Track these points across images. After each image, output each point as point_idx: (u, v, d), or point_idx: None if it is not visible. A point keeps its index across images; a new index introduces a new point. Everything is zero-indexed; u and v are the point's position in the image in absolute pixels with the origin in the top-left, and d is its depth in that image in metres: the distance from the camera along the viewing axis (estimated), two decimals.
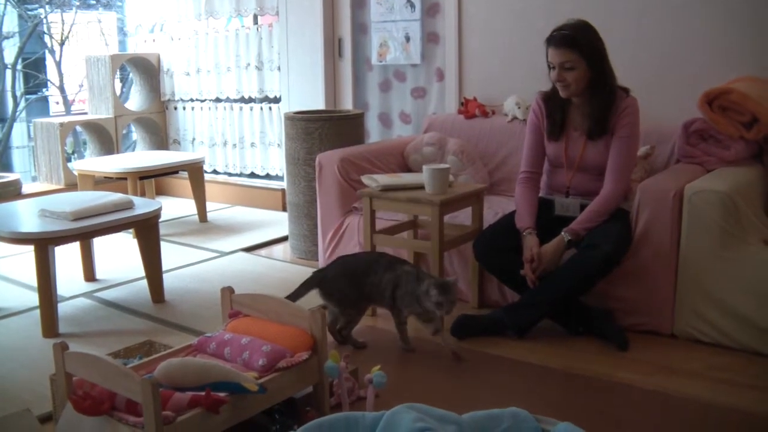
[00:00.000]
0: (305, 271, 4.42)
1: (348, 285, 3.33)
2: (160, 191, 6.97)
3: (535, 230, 3.49)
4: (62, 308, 3.96)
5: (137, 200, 4.19)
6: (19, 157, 10.58)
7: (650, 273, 3.48)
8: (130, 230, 5.04)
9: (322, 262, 4.46)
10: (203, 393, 2.38)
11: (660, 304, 3.49)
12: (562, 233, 3.43)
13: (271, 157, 6.45)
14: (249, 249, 5.13)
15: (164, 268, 4.21)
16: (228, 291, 2.94)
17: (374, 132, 5.73)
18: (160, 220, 4.10)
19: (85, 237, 3.96)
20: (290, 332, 2.71)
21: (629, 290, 3.53)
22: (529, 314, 3.48)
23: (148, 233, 4.04)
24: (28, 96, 9.99)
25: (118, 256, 4.99)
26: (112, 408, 2.39)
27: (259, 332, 2.72)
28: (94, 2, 10.21)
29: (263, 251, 5.10)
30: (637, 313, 3.55)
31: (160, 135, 7.14)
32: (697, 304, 3.41)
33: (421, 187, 3.67)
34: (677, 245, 3.44)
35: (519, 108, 4.53)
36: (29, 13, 9.39)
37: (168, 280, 4.30)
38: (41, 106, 10.42)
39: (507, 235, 3.56)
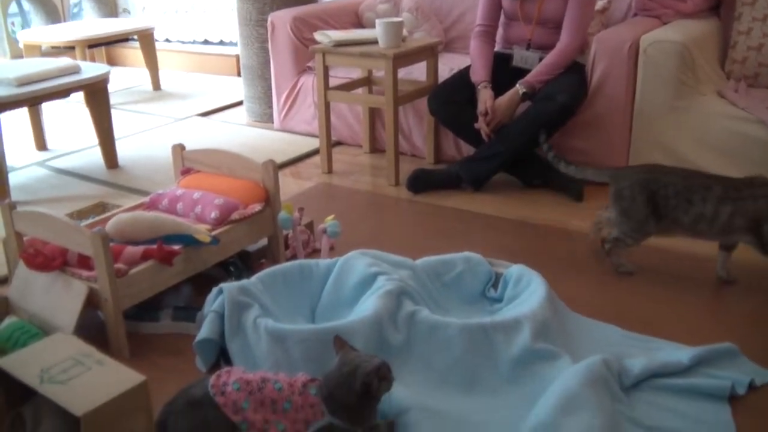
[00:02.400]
0: (262, 134, 4.41)
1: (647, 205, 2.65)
2: (112, 61, 6.78)
3: (490, 84, 3.45)
4: (14, 177, 3.89)
5: (84, 65, 4.07)
6: None
7: (605, 124, 3.48)
8: (81, 100, 4.92)
9: (277, 124, 4.42)
10: (155, 246, 2.37)
11: (615, 155, 3.51)
12: (517, 85, 3.40)
13: (224, 22, 6.28)
14: (204, 114, 5.04)
15: (117, 135, 4.13)
16: (179, 148, 2.90)
17: None
18: (111, 89, 4.00)
19: (31, 103, 3.85)
20: (243, 185, 2.69)
21: (585, 142, 3.54)
22: (484, 167, 3.48)
23: (97, 98, 3.94)
24: None
25: (70, 126, 4.88)
26: (64, 264, 2.38)
27: (212, 187, 2.70)
28: None
29: (219, 116, 5.02)
30: (593, 164, 3.54)
31: (108, 5, 6.91)
32: (651, 154, 3.43)
33: (374, 42, 3.60)
34: (632, 96, 3.44)
35: None
36: None
37: (121, 146, 4.24)
38: None
39: (462, 89, 3.52)
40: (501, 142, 3.42)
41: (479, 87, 3.45)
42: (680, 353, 2.18)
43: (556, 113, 3.32)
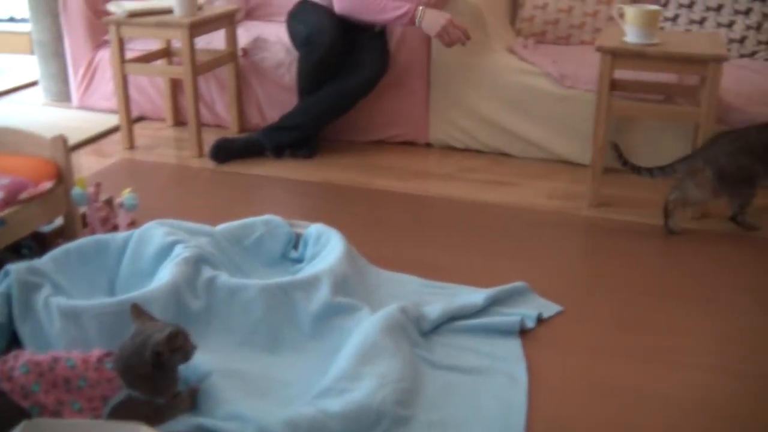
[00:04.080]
0: (60, 113, 4.22)
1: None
2: None
3: None
4: None
5: None
6: None
7: (405, 85, 3.56)
8: None
9: (75, 102, 4.25)
10: None
11: (416, 115, 3.60)
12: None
13: None
14: None
15: None
16: None
17: None
18: None
19: None
20: (31, 163, 2.58)
21: (387, 102, 3.61)
22: (286, 136, 3.49)
23: None
24: None
25: None
26: None
27: None
28: None
29: (13, 97, 4.77)
30: (395, 124, 3.65)
31: None
32: (449, 112, 3.55)
33: (170, 12, 3.52)
34: (428, 56, 3.52)
35: None
36: None
37: None
38: None
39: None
40: (304, 114, 3.43)
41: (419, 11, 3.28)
42: (475, 296, 2.28)
43: (361, 87, 3.38)
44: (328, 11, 3.42)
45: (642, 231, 2.83)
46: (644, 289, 2.43)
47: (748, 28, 3.59)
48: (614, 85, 3.14)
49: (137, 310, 1.81)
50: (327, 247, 2.40)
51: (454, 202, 3.04)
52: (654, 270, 2.55)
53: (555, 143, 3.43)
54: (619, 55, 2.83)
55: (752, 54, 3.60)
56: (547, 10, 3.79)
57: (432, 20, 3.24)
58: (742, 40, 3.60)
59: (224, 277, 2.15)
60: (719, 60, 2.76)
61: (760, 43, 3.59)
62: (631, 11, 2.84)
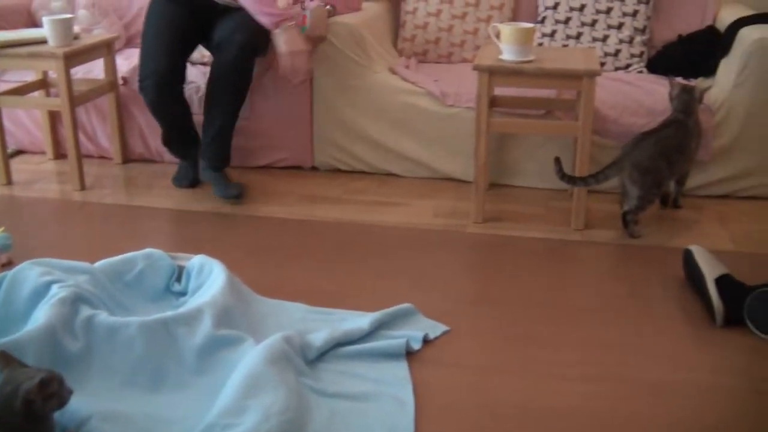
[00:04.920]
0: None
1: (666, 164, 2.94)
2: None
3: None
4: None
5: None
6: None
7: (288, 109, 3.55)
8: None
9: None
10: None
11: (300, 139, 3.59)
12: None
13: None
14: None
15: None
16: None
17: None
18: None
19: None
20: None
21: (270, 127, 3.59)
22: (223, 145, 3.35)
23: None
24: None
25: None
26: None
27: None
28: None
29: None
30: (279, 149, 3.63)
31: None
32: (333, 135, 3.55)
33: (44, 42, 3.42)
34: (310, 79, 3.52)
35: None
36: None
37: None
38: None
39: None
40: (218, 117, 3.31)
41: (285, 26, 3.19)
42: (361, 320, 2.27)
43: (242, 56, 3.22)
44: (168, 18, 3.31)
45: (527, 245, 2.88)
46: (531, 303, 2.47)
47: (621, 42, 3.71)
48: (494, 102, 3.20)
49: (5, 358, 1.73)
50: (210, 279, 2.37)
51: (340, 226, 3.04)
52: (540, 283, 2.60)
53: (440, 161, 3.47)
54: (496, 73, 2.88)
55: (626, 66, 3.72)
56: (428, 29, 3.84)
57: (288, 40, 3.17)
58: (616, 54, 3.72)
59: (103, 316, 2.09)
60: (592, 75, 2.83)
61: (632, 56, 3.71)
62: (506, 30, 2.90)
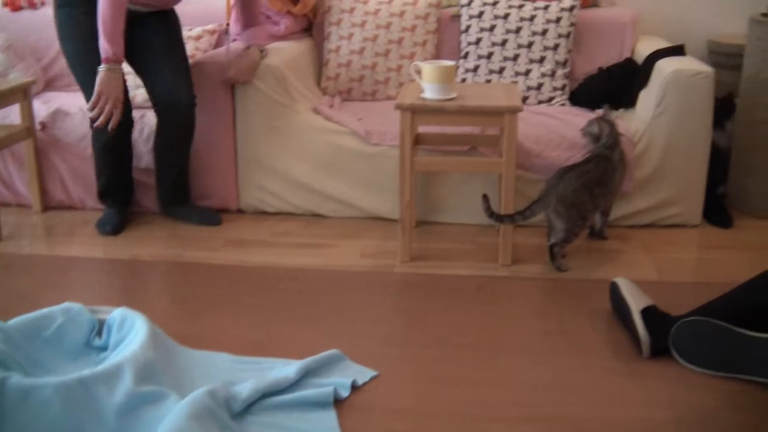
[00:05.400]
0: None
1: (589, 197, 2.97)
2: None
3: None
4: None
5: None
6: None
7: (211, 151, 3.50)
8: None
9: None
10: None
11: (224, 181, 3.54)
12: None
13: None
14: None
15: None
16: None
17: None
18: None
19: None
20: None
21: (193, 170, 3.53)
22: (185, 188, 3.50)
23: None
24: None
25: None
26: None
27: None
28: None
29: None
30: (204, 192, 3.58)
31: None
32: (258, 177, 3.51)
33: None
34: (233, 120, 3.48)
35: None
36: None
37: None
38: None
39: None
40: (176, 164, 3.40)
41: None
42: (288, 369, 2.23)
43: (189, 113, 3.35)
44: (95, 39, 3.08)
45: (455, 283, 2.87)
46: (460, 343, 2.45)
47: (544, 75, 3.75)
48: (419, 140, 3.21)
49: None
50: (131, 333, 2.30)
51: (267, 270, 3.00)
52: (469, 322, 2.59)
53: (366, 201, 3.45)
54: (418, 112, 2.88)
55: (549, 100, 3.76)
56: (351, 67, 3.83)
57: (109, 81, 3.01)
58: (539, 87, 3.76)
59: (16, 378, 2.00)
60: (514, 111, 2.85)
61: (555, 89, 3.75)
62: (427, 68, 2.90)
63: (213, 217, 3.48)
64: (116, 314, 2.39)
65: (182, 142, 3.39)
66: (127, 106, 3.26)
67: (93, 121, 3.15)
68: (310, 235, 3.33)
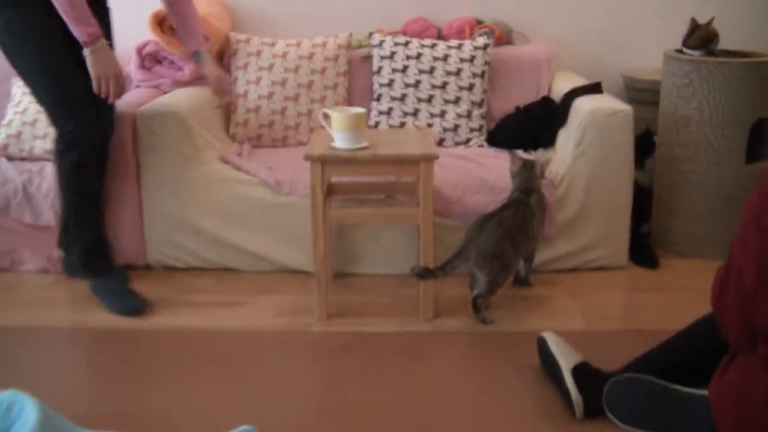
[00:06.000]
0: None
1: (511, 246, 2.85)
2: None
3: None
4: None
5: None
6: None
7: (115, 204, 3.26)
8: None
9: None
10: None
11: (130, 236, 3.32)
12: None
13: None
14: None
15: None
16: None
17: None
18: None
19: None
20: None
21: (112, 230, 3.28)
22: (78, 250, 3.05)
23: None
24: None
25: None
26: None
27: None
28: None
29: None
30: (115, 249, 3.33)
31: None
32: (165, 231, 3.30)
33: None
34: (137, 172, 3.27)
35: None
36: None
37: None
38: None
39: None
40: (75, 229, 3.02)
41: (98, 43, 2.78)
42: None
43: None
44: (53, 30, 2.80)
45: (375, 342, 2.71)
46: (381, 407, 2.29)
47: (460, 116, 3.65)
48: (332, 189, 3.06)
49: None
50: (20, 421, 2.06)
51: (176, 334, 2.78)
52: (390, 383, 2.43)
53: (280, 253, 3.27)
54: (328, 163, 2.72)
55: (466, 141, 3.65)
56: (261, 112, 3.66)
57: (100, 61, 2.78)
58: (455, 129, 3.65)
59: None
60: (430, 159, 2.72)
61: (472, 130, 3.65)
62: (336, 116, 2.75)
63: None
64: (3, 399, 2.15)
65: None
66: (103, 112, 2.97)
67: (59, 143, 2.88)
68: (221, 292, 3.13)
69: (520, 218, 2.86)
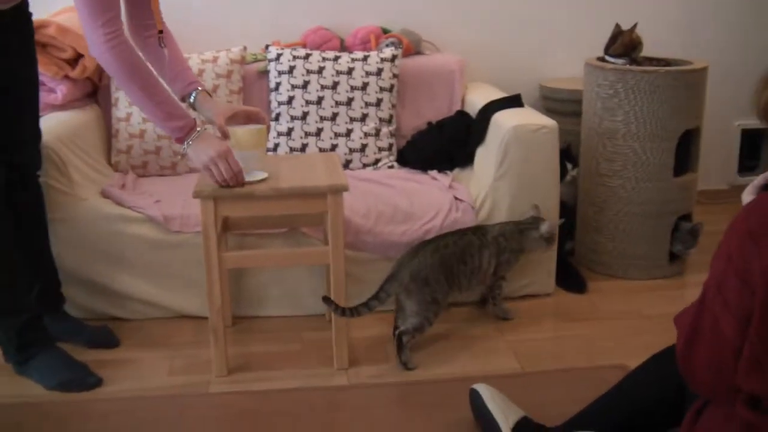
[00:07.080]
0: None
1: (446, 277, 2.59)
2: None
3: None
4: None
5: None
6: None
7: None
8: None
9: None
10: None
11: None
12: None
13: None
14: None
15: None
16: None
17: None
18: None
19: None
20: None
21: None
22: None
23: None
24: None
25: None
26: None
27: None
28: None
29: None
30: None
31: None
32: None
33: None
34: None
35: None
36: None
37: None
38: None
39: None
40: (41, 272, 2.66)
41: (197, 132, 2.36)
42: None
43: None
44: None
45: (283, 401, 2.36)
46: None
47: (367, 135, 3.33)
48: (228, 224, 2.71)
49: None
50: None
51: (48, 406, 2.37)
52: None
53: (172, 297, 2.89)
54: (221, 200, 2.36)
55: (375, 162, 3.34)
56: (145, 138, 3.26)
57: (198, 153, 2.34)
58: (362, 149, 3.33)
59: None
60: (338, 191, 2.39)
61: (381, 149, 3.34)
62: (235, 131, 2.40)
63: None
64: None
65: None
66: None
67: None
68: (104, 348, 2.72)
69: (463, 246, 2.60)
